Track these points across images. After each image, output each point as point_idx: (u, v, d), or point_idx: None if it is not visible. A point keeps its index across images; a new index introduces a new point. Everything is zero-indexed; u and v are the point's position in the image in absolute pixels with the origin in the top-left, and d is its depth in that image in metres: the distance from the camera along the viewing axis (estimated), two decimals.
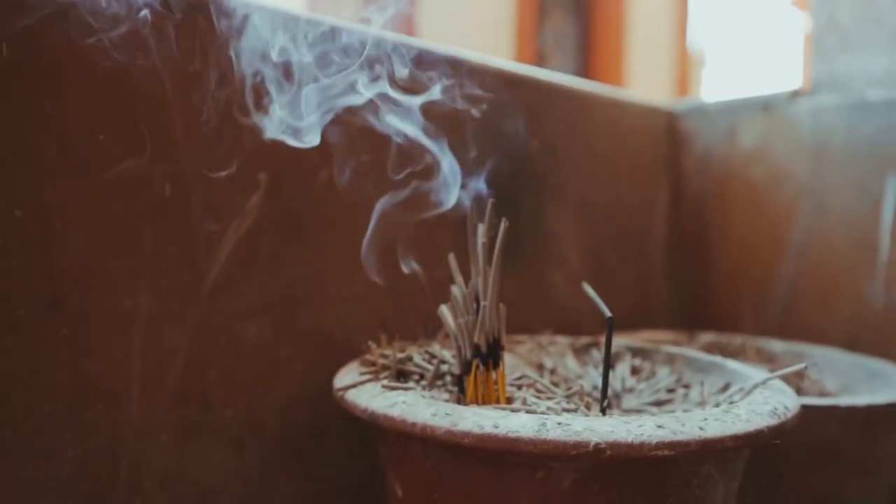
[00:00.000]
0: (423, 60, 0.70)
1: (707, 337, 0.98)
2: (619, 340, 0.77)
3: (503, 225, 0.53)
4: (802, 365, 0.53)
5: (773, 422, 0.46)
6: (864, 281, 1.00)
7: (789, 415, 0.48)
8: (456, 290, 0.55)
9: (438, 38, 0.78)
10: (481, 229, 0.54)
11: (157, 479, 0.58)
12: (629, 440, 0.42)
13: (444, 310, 0.56)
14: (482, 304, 0.53)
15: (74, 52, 0.52)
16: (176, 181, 0.58)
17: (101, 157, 0.54)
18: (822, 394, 0.82)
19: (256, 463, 0.64)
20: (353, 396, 0.53)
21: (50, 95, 0.51)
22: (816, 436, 0.65)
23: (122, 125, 0.55)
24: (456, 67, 0.75)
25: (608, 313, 0.53)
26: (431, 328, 0.72)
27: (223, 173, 0.61)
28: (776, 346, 0.94)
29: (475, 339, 0.53)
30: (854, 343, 0.99)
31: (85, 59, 0.53)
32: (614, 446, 0.42)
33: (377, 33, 0.66)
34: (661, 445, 0.42)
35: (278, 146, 0.64)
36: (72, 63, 0.52)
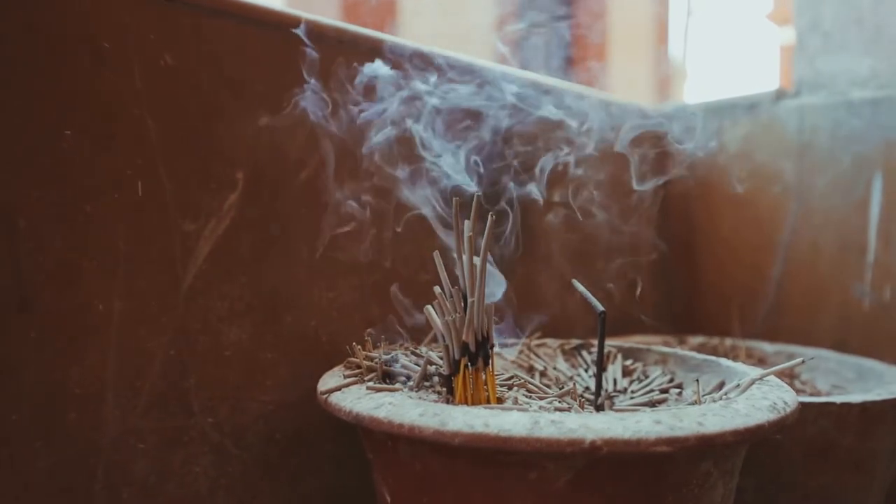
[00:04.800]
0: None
1: (696, 339, 0.97)
2: (610, 342, 0.76)
3: (490, 219, 0.51)
4: (800, 360, 0.52)
5: (772, 416, 0.44)
6: (851, 281, 0.99)
7: (789, 410, 0.47)
8: (441, 289, 0.54)
9: (420, 37, 0.77)
10: (467, 225, 0.53)
11: (136, 490, 0.55)
12: (626, 437, 0.40)
13: (431, 309, 0.55)
14: (469, 301, 0.51)
15: (40, 47, 0.50)
16: (149, 180, 0.56)
17: (69, 154, 0.52)
18: (814, 393, 0.81)
19: (240, 471, 0.62)
20: (337, 399, 0.51)
21: (13, 90, 0.49)
22: (812, 433, 0.64)
23: (92, 121, 0.53)
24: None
25: (600, 308, 0.51)
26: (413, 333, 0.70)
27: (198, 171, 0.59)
28: (766, 347, 0.93)
29: (463, 338, 0.52)
30: (842, 344, 0.98)
31: (52, 54, 0.51)
32: (610, 443, 0.40)
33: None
34: (660, 441, 0.40)
35: (256, 143, 0.62)
36: (38, 58, 0.50)
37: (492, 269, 0.63)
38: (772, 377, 0.55)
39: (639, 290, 1.09)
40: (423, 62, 0.73)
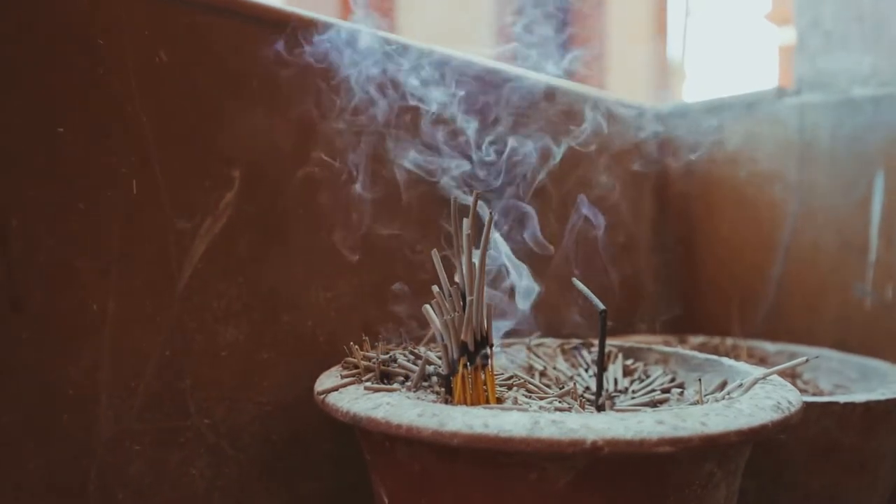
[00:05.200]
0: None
1: (697, 339, 0.96)
2: (610, 342, 0.75)
3: (489, 216, 0.51)
4: (805, 359, 0.51)
5: (776, 416, 0.44)
6: (852, 280, 0.99)
7: (793, 409, 0.46)
8: (439, 288, 0.53)
9: (417, 33, 0.76)
10: (466, 222, 0.52)
11: (130, 492, 0.55)
12: (628, 437, 0.39)
13: (429, 308, 0.54)
14: (468, 299, 0.51)
15: (34, 45, 0.50)
16: (143, 177, 0.55)
17: (62, 152, 0.51)
18: (816, 393, 0.80)
19: (236, 473, 0.61)
20: (334, 400, 0.50)
21: (6, 88, 0.49)
22: (814, 433, 0.63)
23: (85, 118, 0.52)
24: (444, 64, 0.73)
25: (601, 306, 0.50)
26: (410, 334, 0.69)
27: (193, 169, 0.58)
28: (768, 346, 0.92)
29: (462, 337, 0.51)
30: (843, 343, 0.98)
31: (46, 51, 0.50)
32: (612, 443, 0.39)
33: None
34: (663, 442, 0.39)
35: (252, 141, 0.61)
36: (32, 55, 0.50)
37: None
38: (775, 376, 0.54)
39: (638, 289, 1.08)
40: (422, 59, 0.72)
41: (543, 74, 0.92)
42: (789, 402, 0.46)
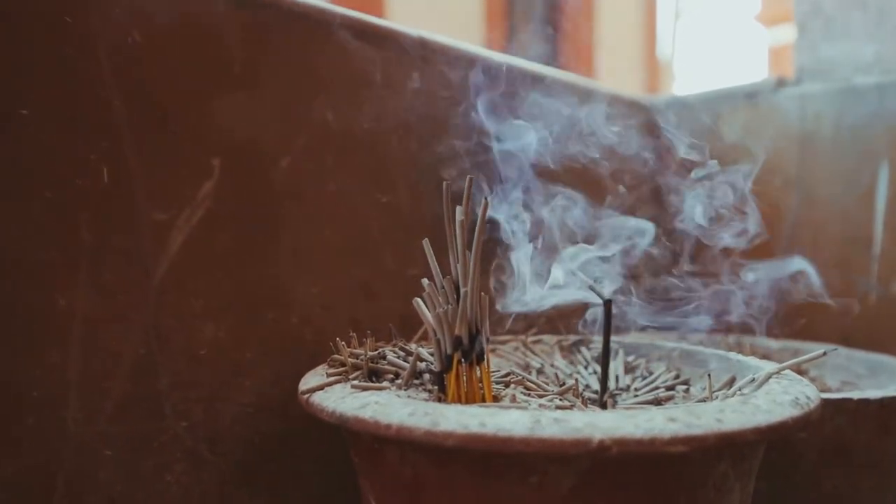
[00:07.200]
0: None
1: (697, 336, 0.93)
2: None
3: (484, 202, 0.47)
4: (822, 352, 0.48)
5: (796, 412, 0.40)
6: (856, 274, 0.96)
7: (812, 405, 0.43)
8: (429, 281, 0.50)
9: (408, 21, 0.73)
10: (460, 210, 0.49)
11: (101, 499, 0.51)
12: (638, 436, 0.36)
13: (420, 302, 0.51)
14: (462, 290, 0.47)
15: None
16: (115, 165, 0.52)
17: (26, 137, 0.48)
18: (824, 390, 0.77)
19: (216, 479, 0.57)
20: (319, 399, 0.47)
21: None
22: (827, 431, 0.60)
23: (52, 101, 0.49)
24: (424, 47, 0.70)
25: (605, 297, 0.47)
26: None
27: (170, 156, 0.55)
28: (771, 343, 0.89)
29: (456, 331, 0.47)
30: (847, 338, 0.95)
31: (8, 29, 0.47)
32: (621, 443, 0.36)
33: None
34: (676, 440, 0.36)
35: (233, 128, 0.58)
36: None
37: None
38: (788, 371, 0.51)
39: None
40: (419, 47, 0.69)
41: (535, 64, 0.89)
42: (808, 398, 0.43)
